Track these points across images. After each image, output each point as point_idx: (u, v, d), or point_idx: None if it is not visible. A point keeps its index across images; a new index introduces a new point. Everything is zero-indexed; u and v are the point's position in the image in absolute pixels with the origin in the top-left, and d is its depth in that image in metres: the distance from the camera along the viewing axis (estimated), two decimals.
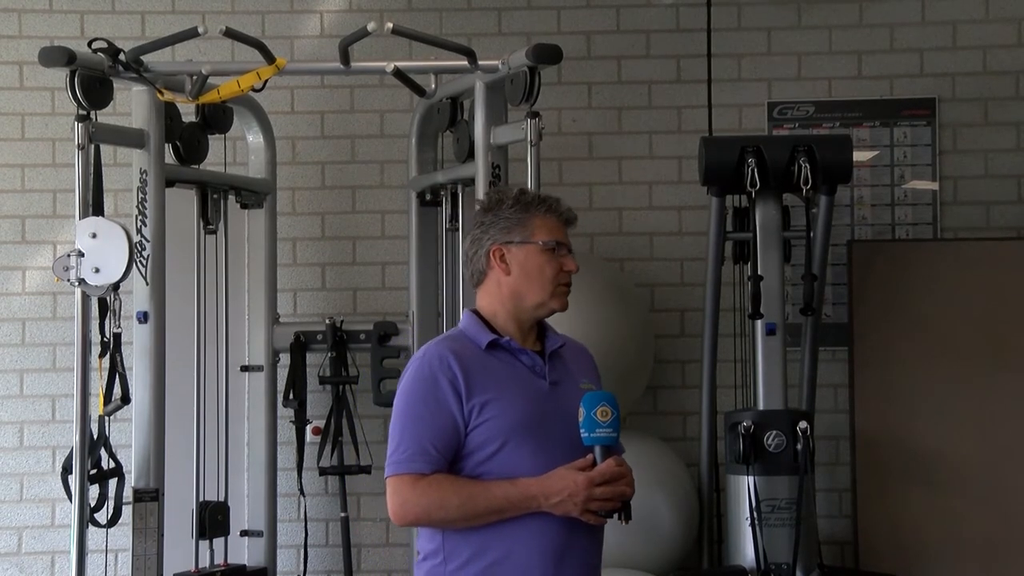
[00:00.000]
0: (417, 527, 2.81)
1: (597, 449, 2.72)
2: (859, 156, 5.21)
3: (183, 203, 4.61)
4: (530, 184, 4.09)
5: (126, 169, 4.44)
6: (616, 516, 2.75)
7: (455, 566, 2.72)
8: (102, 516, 4.22)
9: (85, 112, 4.09)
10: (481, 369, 2.74)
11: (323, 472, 4.94)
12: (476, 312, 2.88)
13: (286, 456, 4.98)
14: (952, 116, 5.38)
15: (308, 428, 4.96)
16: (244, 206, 4.88)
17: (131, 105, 4.37)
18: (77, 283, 4.06)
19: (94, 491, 4.21)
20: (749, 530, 4.46)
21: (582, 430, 2.72)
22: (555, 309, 2.86)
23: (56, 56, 4.06)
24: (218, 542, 4.66)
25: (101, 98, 4.16)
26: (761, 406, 4.61)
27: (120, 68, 4.18)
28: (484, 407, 2.71)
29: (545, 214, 2.84)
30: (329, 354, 4.93)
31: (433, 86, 4.33)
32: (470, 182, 4.49)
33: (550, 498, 2.68)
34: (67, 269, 4.05)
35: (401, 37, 4.23)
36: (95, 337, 4.18)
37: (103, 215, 4.15)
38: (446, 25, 5.29)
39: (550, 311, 2.86)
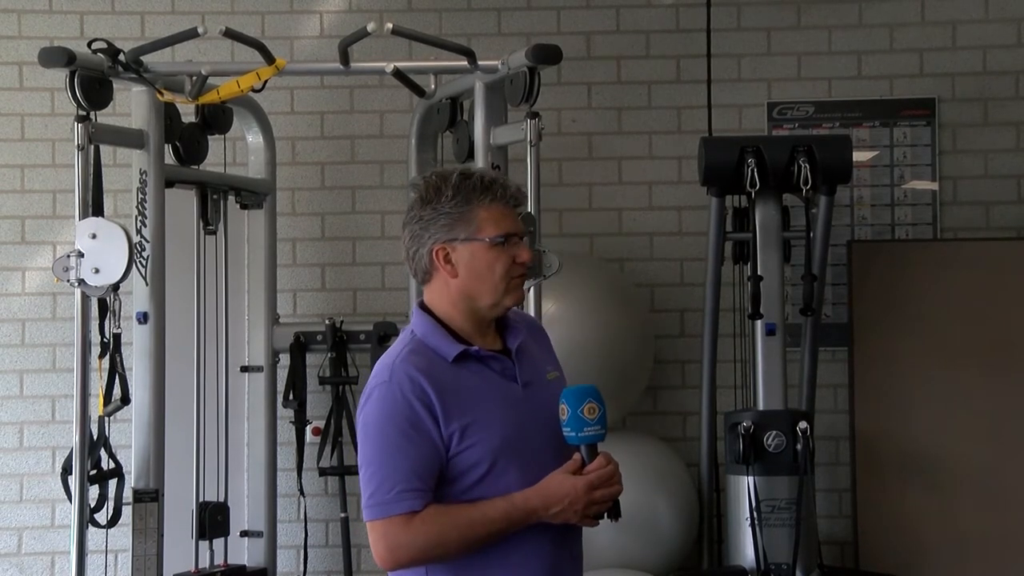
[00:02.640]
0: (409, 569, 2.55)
1: (583, 448, 2.56)
2: (859, 156, 5.21)
3: (183, 204, 4.61)
4: (529, 185, 4.07)
5: (126, 170, 4.44)
6: (606, 515, 2.61)
7: None
8: (102, 517, 4.22)
9: (85, 113, 4.09)
10: (454, 388, 2.52)
11: (323, 472, 4.93)
12: (427, 311, 2.63)
13: (286, 456, 4.98)
14: (952, 116, 5.38)
15: (308, 428, 4.96)
16: (244, 207, 4.88)
17: (131, 106, 4.37)
18: (77, 284, 4.05)
19: (94, 492, 4.21)
20: (749, 530, 4.46)
21: (567, 429, 2.55)
22: (509, 306, 2.64)
23: (56, 57, 4.05)
24: (218, 542, 4.66)
25: (101, 99, 4.15)
26: (761, 406, 4.61)
27: (120, 68, 4.18)
28: (465, 432, 2.50)
29: (490, 204, 2.56)
30: (329, 354, 4.92)
31: (433, 86, 4.33)
32: None
33: (550, 508, 2.52)
34: (67, 270, 4.04)
35: (401, 37, 4.22)
36: (95, 338, 4.18)
37: (103, 216, 4.14)
38: (446, 25, 5.29)
39: (505, 309, 2.64)
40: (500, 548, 2.53)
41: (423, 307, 2.65)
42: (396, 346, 2.62)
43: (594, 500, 2.54)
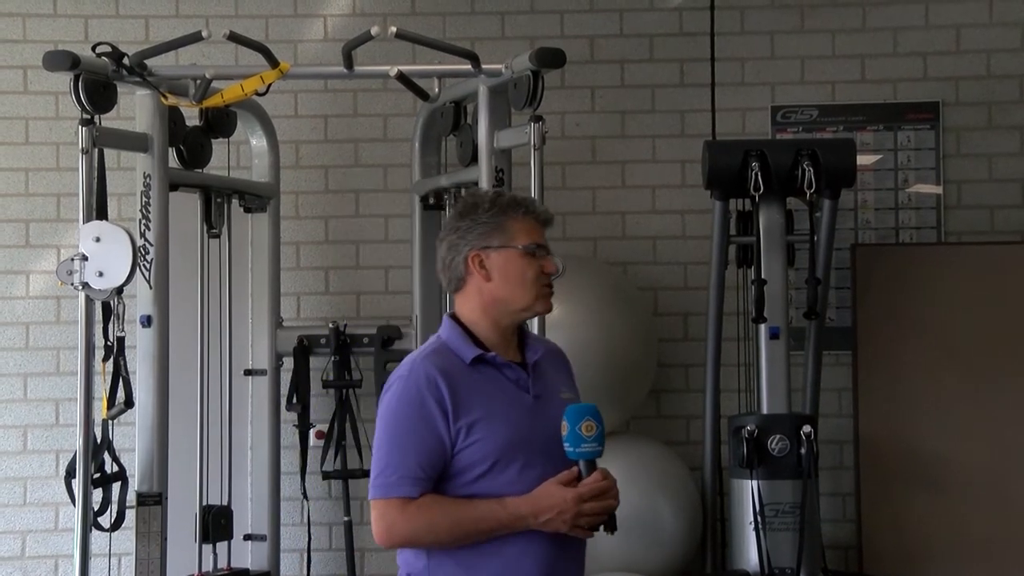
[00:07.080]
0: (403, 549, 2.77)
1: (582, 463, 2.69)
2: (863, 160, 5.21)
3: (187, 207, 4.61)
4: (533, 189, 4.09)
5: (130, 173, 4.44)
6: (602, 528, 2.72)
7: None
8: (105, 520, 4.22)
9: (89, 116, 4.09)
10: (468, 387, 2.70)
11: (326, 476, 4.94)
12: (456, 319, 2.82)
13: (289, 460, 4.98)
14: (956, 120, 5.38)
15: (311, 432, 4.96)
16: (248, 210, 4.89)
17: (135, 109, 4.37)
18: (81, 287, 4.05)
19: (97, 495, 4.20)
20: (753, 534, 4.46)
21: (566, 444, 2.68)
22: (539, 312, 2.84)
23: (60, 60, 4.05)
24: (221, 546, 4.66)
25: (105, 102, 4.16)
26: (765, 410, 4.61)
27: (124, 72, 4.18)
28: (472, 428, 2.67)
29: (523, 216, 2.78)
30: (332, 358, 4.92)
31: (436, 90, 4.33)
32: (473, 186, 4.49)
33: (539, 516, 2.65)
34: (71, 273, 4.04)
35: (405, 41, 4.23)
36: (99, 341, 4.18)
37: (107, 219, 4.14)
38: (449, 29, 5.29)
39: (535, 314, 2.86)
40: (495, 542, 2.68)
41: (452, 316, 2.84)
42: (423, 347, 2.83)
43: (584, 512, 2.67)
